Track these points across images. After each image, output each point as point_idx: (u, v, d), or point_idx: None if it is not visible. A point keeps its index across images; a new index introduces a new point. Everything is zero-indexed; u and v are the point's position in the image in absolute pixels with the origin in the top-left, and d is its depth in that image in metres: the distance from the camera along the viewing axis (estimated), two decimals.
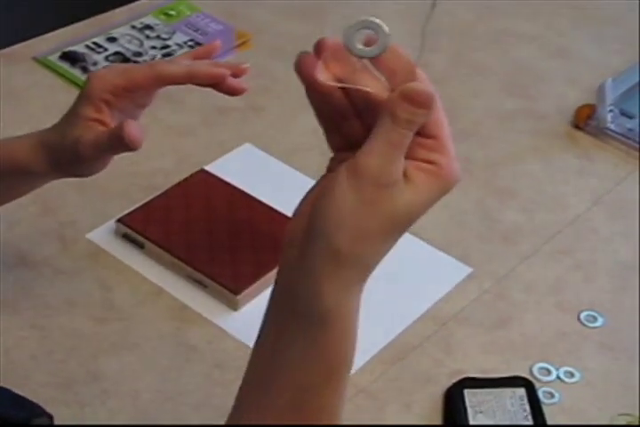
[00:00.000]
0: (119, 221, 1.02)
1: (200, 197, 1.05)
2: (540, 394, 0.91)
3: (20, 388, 0.83)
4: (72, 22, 1.35)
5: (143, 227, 1.01)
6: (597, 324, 1.00)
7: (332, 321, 0.58)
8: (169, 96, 1.20)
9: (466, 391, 0.89)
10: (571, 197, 1.16)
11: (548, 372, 0.94)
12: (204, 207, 1.04)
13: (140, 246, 1.00)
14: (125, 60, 1.28)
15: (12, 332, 0.92)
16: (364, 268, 0.58)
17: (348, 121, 0.61)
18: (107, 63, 1.27)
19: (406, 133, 0.56)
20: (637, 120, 1.26)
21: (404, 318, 0.98)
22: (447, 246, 1.06)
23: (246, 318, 0.95)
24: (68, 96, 0.84)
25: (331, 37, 0.58)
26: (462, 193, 1.13)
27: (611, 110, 1.24)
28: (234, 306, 0.96)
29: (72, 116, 0.79)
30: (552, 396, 0.92)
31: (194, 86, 0.80)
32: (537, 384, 0.91)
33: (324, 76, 0.58)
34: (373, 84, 0.58)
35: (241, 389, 0.63)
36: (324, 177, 0.61)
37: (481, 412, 0.88)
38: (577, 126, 1.26)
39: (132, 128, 0.74)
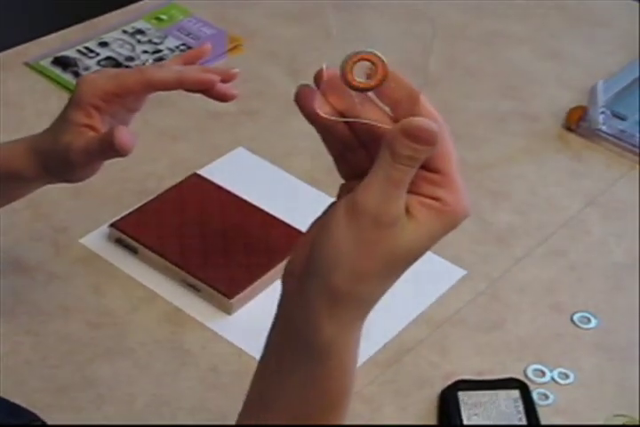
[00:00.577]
0: (112, 225, 1.02)
1: (193, 201, 1.05)
2: (535, 396, 0.91)
3: (15, 394, 0.83)
4: (63, 27, 1.35)
5: (136, 231, 1.01)
6: (591, 325, 1.00)
7: (331, 356, 0.58)
8: (160, 100, 1.19)
9: (460, 394, 0.90)
10: (564, 198, 1.17)
11: (543, 373, 0.95)
12: (198, 211, 1.04)
13: (134, 251, 1.01)
14: (117, 64, 1.28)
15: (6, 338, 0.92)
16: (363, 306, 0.57)
17: (353, 151, 0.59)
18: (98, 68, 1.26)
19: (407, 170, 0.54)
20: (629, 121, 1.26)
21: (398, 320, 0.98)
22: (441, 249, 1.05)
23: (240, 321, 0.96)
24: (60, 101, 0.85)
25: (329, 69, 0.56)
26: None
27: (602, 112, 1.25)
28: (228, 310, 0.96)
29: (62, 121, 0.79)
30: (547, 397, 0.92)
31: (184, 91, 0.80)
32: (531, 386, 0.92)
33: (324, 108, 0.56)
34: (376, 116, 0.56)
35: (245, 402, 0.63)
36: (331, 205, 0.59)
37: (476, 414, 0.88)
38: (569, 128, 1.27)
39: (123, 134, 0.74)
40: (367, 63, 0.55)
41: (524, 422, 0.88)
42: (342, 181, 0.61)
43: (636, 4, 1.54)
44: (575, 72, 1.38)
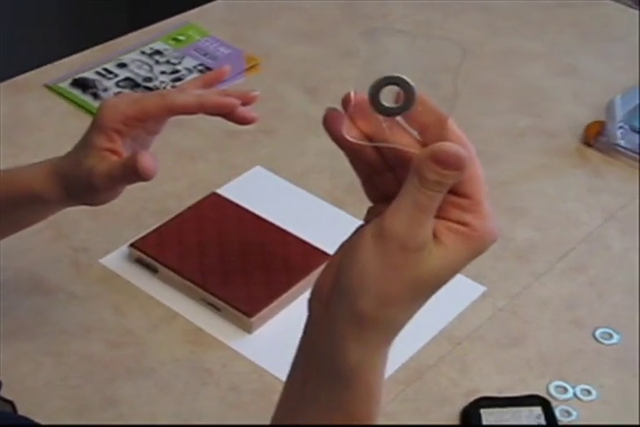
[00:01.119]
0: (132, 245, 1.02)
1: (212, 220, 1.05)
2: (557, 412, 0.90)
3: (37, 414, 0.82)
4: (82, 49, 1.36)
5: (156, 251, 1.01)
6: (613, 341, 0.99)
7: (356, 381, 0.57)
8: (179, 121, 1.19)
9: (482, 411, 0.89)
10: (583, 213, 1.16)
11: (565, 390, 0.94)
12: (217, 230, 1.04)
13: (154, 271, 1.00)
14: (136, 85, 1.28)
15: (27, 358, 0.92)
16: (390, 331, 0.57)
17: (381, 175, 0.59)
18: (117, 89, 1.27)
19: (435, 196, 0.54)
20: None
21: (418, 338, 0.97)
22: None
23: (260, 340, 0.95)
24: (80, 122, 0.85)
25: (357, 93, 0.56)
26: None
27: (620, 127, 1.24)
28: (248, 329, 0.96)
29: (85, 145, 0.79)
30: (569, 414, 0.91)
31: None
32: (554, 403, 0.91)
33: (352, 133, 0.56)
34: (404, 140, 0.56)
35: (272, 421, 0.62)
36: (358, 229, 0.59)
37: None
38: (587, 143, 1.26)
39: (146, 159, 0.74)
40: (395, 88, 0.55)
41: None
42: (362, 198, 0.61)
43: None
44: (591, 87, 1.37)
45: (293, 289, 0.97)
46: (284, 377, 0.62)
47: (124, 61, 1.33)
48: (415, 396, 0.92)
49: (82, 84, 1.28)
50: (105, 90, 1.27)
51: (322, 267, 0.60)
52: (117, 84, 1.28)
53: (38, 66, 1.32)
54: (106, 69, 1.31)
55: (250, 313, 0.95)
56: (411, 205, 0.54)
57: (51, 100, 1.27)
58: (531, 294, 1.04)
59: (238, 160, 1.19)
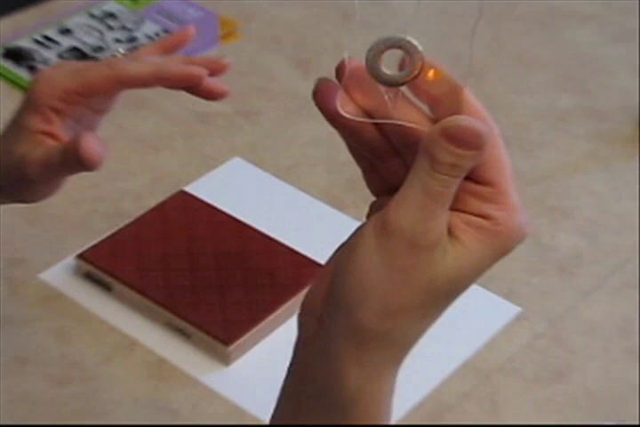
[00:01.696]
0: (80, 256, 1.03)
1: (180, 225, 1.06)
2: None
3: None
4: (15, 11, 1.37)
5: (110, 264, 1.02)
6: None
7: (356, 410, 0.58)
8: (137, 100, 1.21)
9: None
10: None
11: None
12: (186, 238, 1.05)
13: (107, 288, 1.02)
14: (83, 56, 1.29)
15: None
16: (397, 349, 0.58)
17: (385, 160, 0.60)
18: (60, 61, 1.28)
19: (450, 181, 0.55)
20: None
21: (437, 370, 0.98)
22: (489, 280, 1.07)
23: (240, 374, 0.96)
24: (13, 103, 0.85)
25: (352, 59, 0.56)
26: None
27: None
28: (225, 360, 0.97)
29: (15, 128, 0.79)
30: None
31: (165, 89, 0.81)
32: None
33: (348, 107, 0.57)
34: (411, 116, 0.57)
35: None
36: (359, 228, 0.59)
37: None
38: None
39: (90, 143, 0.74)
40: (399, 52, 0.55)
41: None
42: (366, 197, 0.62)
43: None
44: None
45: (280, 311, 0.99)
46: (268, 419, 0.63)
47: (69, 27, 1.34)
48: None
49: (15, 54, 1.29)
50: (44, 62, 1.28)
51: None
52: (60, 56, 1.29)
53: None
54: (45, 37, 1.32)
55: (227, 341, 0.96)
56: (420, 194, 0.55)
57: None
58: (576, 316, 1.05)
59: (212, 150, 1.20)
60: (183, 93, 0.82)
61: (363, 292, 0.56)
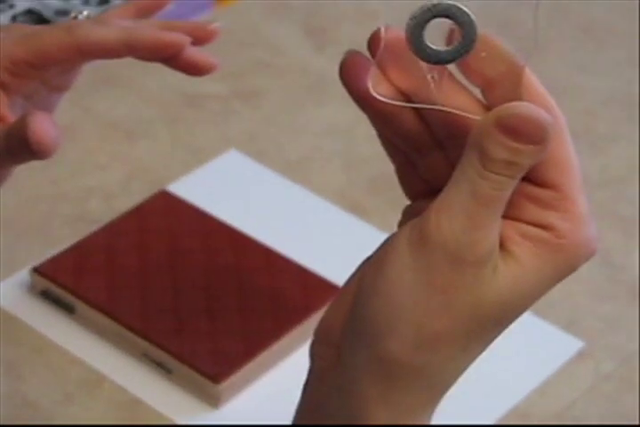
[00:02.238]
0: (35, 270, 1.03)
1: (161, 232, 1.07)
2: None
3: None
4: None
5: (73, 280, 1.02)
6: None
7: None
8: (110, 76, 1.21)
9: None
10: None
11: None
12: (168, 249, 1.05)
13: (70, 310, 1.02)
14: (42, 21, 1.29)
15: None
16: (433, 386, 0.58)
17: (424, 155, 0.60)
18: (8, 24, 1.28)
19: (504, 182, 0.55)
20: None
21: (480, 416, 0.98)
22: (546, 308, 1.06)
23: (232, 419, 0.96)
24: None
25: (390, 29, 0.57)
26: None
27: None
28: (214, 401, 0.97)
29: None
30: None
31: (140, 61, 0.81)
32: None
33: (381, 88, 0.57)
34: (459, 100, 0.57)
35: None
36: (387, 240, 0.59)
37: None
38: None
39: (41, 124, 0.73)
40: (447, 21, 0.56)
41: None
42: (392, 199, 0.62)
43: None
44: None
45: (283, 341, 0.99)
46: None
47: None
48: None
49: None
50: None
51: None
52: (14, 19, 1.29)
53: None
54: None
55: (217, 377, 0.96)
56: (468, 198, 0.55)
57: None
58: None
59: (202, 140, 1.20)
60: (167, 69, 0.82)
61: (392, 317, 0.56)
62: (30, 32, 0.78)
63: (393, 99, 0.57)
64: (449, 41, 0.56)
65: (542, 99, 0.57)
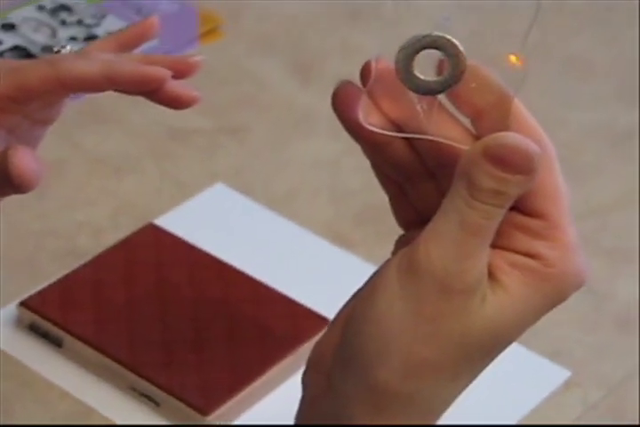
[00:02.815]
0: (23, 304, 1.03)
1: (148, 265, 1.07)
2: None
3: None
4: None
5: (61, 313, 1.02)
6: None
7: None
8: (97, 112, 1.21)
9: None
10: None
11: None
12: (155, 282, 1.05)
13: (57, 344, 1.02)
14: (29, 57, 1.29)
15: None
16: (423, 415, 0.58)
17: (416, 184, 0.61)
18: None
19: (492, 212, 0.55)
20: None
21: None
22: (532, 337, 1.06)
23: None
24: None
25: (380, 60, 0.57)
26: None
27: None
28: None
29: None
30: None
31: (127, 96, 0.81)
32: None
33: (373, 118, 0.58)
34: (449, 130, 0.58)
35: None
36: (379, 269, 0.60)
37: None
38: None
39: (22, 158, 0.72)
40: (436, 53, 0.56)
41: None
42: (380, 232, 0.63)
43: None
44: None
45: (272, 373, 0.99)
46: None
47: (12, 21, 1.35)
48: None
49: None
50: None
51: (317, 338, 0.62)
52: (1, 55, 1.29)
53: None
54: None
55: (205, 410, 0.96)
56: (456, 227, 0.55)
57: None
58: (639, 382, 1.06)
59: (188, 174, 1.21)
60: (153, 104, 0.82)
61: (382, 345, 0.56)
62: (12, 66, 0.78)
63: (384, 128, 0.58)
64: (439, 71, 0.57)
65: (531, 129, 0.57)
